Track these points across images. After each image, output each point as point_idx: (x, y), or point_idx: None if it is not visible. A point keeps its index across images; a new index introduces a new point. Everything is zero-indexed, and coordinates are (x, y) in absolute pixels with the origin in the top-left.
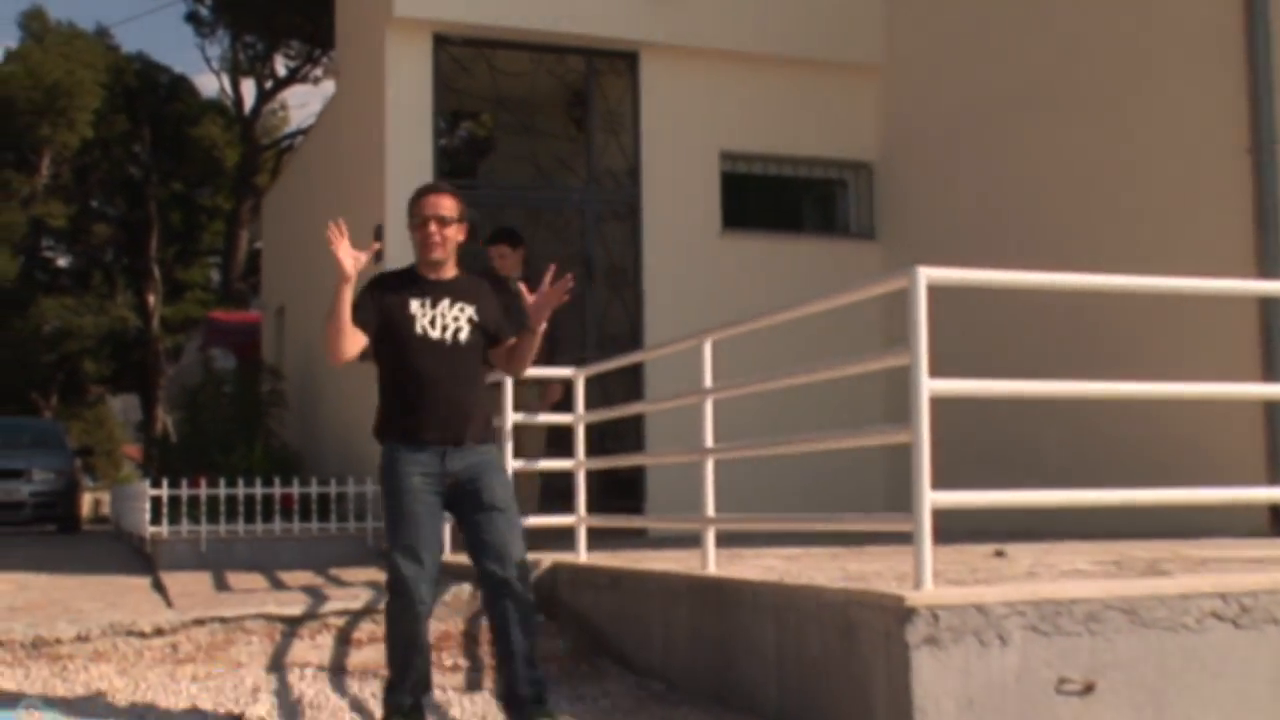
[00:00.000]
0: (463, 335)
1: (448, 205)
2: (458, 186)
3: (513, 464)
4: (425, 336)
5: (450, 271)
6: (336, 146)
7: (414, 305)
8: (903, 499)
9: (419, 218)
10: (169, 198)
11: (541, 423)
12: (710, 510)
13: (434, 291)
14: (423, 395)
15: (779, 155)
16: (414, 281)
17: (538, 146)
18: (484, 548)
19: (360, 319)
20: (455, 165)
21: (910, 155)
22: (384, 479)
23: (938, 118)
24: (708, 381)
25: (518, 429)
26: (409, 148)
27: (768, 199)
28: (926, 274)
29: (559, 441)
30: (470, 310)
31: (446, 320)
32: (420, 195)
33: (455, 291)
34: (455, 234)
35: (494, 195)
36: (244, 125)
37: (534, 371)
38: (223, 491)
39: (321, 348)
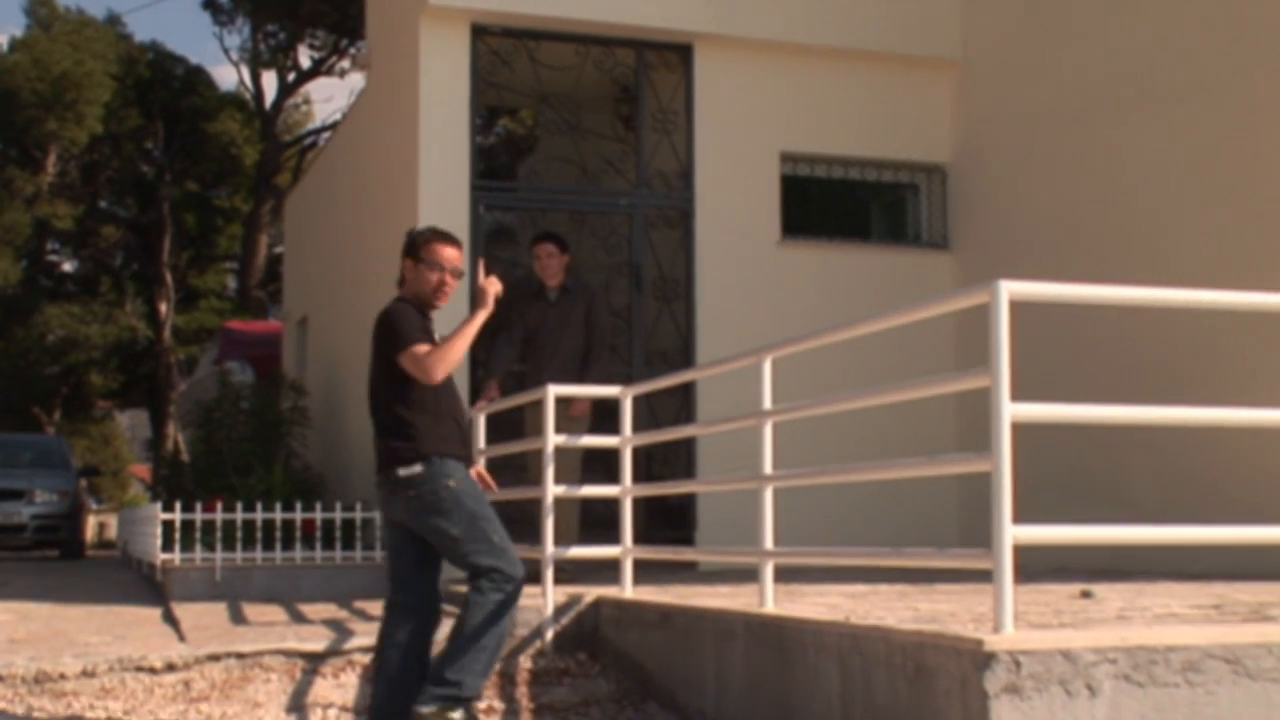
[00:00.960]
0: None
1: (460, 259)
2: (496, 189)
3: (553, 489)
4: None
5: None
6: (365, 144)
7: (437, 338)
8: (978, 532)
9: (437, 266)
10: (183, 198)
11: (582, 445)
12: (769, 543)
13: (432, 328)
14: (465, 418)
15: (844, 157)
16: (423, 315)
17: (583, 146)
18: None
19: (428, 339)
20: (494, 165)
21: (987, 157)
22: (462, 489)
23: (1018, 116)
24: (767, 403)
25: (555, 451)
26: (444, 146)
27: (831, 204)
28: (1009, 288)
29: (595, 464)
30: None
31: None
32: (439, 242)
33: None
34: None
35: (535, 198)
36: (264, 121)
37: (565, 390)
38: (239, 516)
39: (434, 366)
